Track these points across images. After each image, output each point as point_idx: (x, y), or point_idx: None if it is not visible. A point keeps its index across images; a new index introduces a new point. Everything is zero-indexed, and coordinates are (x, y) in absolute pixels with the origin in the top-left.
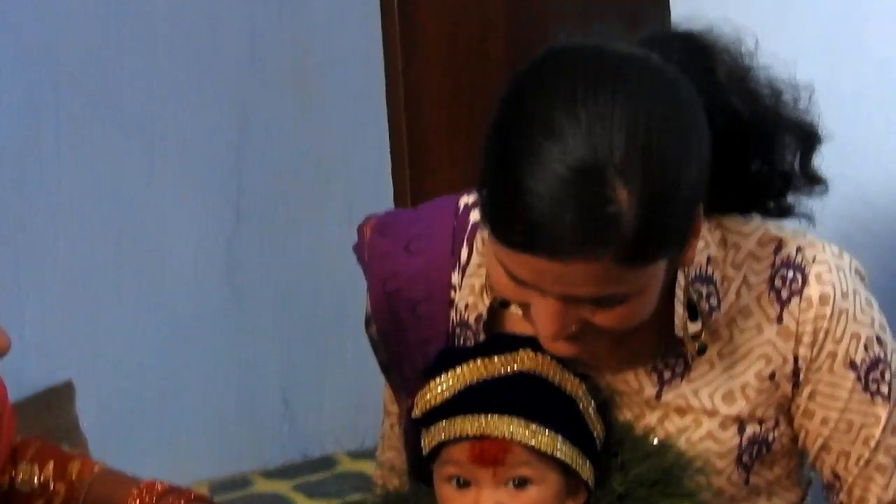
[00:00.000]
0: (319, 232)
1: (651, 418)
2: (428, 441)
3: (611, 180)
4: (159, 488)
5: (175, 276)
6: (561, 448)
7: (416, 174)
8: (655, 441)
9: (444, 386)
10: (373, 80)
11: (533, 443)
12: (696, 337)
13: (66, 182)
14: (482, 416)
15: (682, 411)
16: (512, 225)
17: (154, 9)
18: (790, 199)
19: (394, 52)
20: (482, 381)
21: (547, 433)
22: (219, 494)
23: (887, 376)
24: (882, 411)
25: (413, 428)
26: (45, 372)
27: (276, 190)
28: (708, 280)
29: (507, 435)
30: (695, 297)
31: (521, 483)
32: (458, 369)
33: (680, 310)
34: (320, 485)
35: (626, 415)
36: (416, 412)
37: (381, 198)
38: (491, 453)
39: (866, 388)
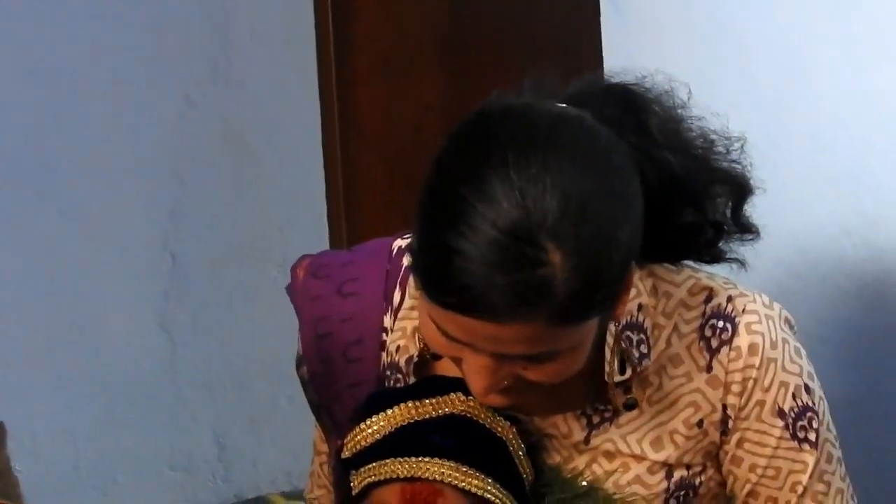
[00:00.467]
0: (255, 288)
1: (580, 462)
2: (358, 482)
3: (543, 243)
4: None
5: (109, 328)
6: (491, 490)
7: (353, 240)
8: (583, 484)
9: (374, 427)
10: (309, 145)
11: (464, 485)
12: (621, 386)
13: None
14: (412, 459)
15: (610, 456)
16: (444, 287)
17: (86, 78)
18: (722, 246)
19: (331, 114)
20: (413, 423)
21: (477, 475)
22: None
23: (815, 424)
24: (810, 458)
25: (342, 468)
26: None
27: (211, 248)
28: (639, 328)
29: (438, 477)
30: (625, 344)
31: None
32: (389, 411)
33: (613, 361)
34: None
35: (554, 458)
36: (346, 453)
37: None
38: (421, 496)
39: (794, 435)
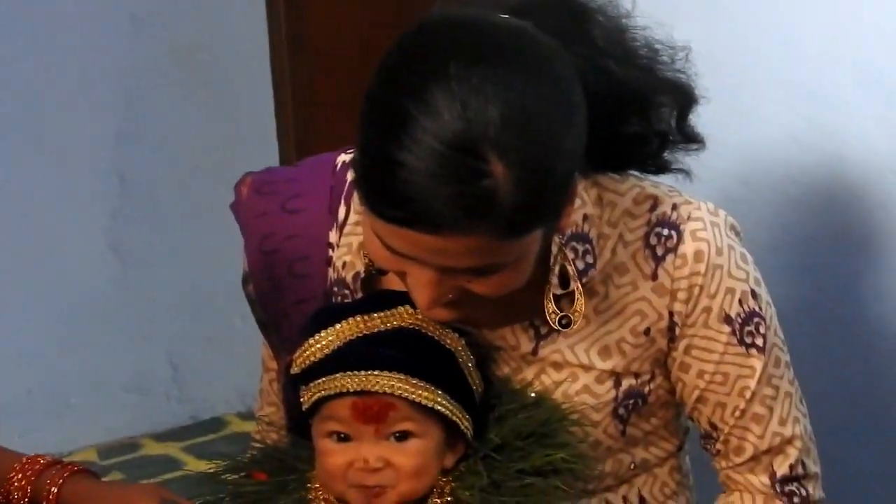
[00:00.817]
0: (205, 207)
1: (528, 373)
2: (308, 397)
3: (486, 154)
4: (42, 462)
5: (59, 251)
6: (441, 402)
7: (303, 157)
8: (532, 395)
9: (323, 342)
10: (257, 62)
11: (414, 397)
12: (565, 298)
13: None
14: (363, 373)
15: (558, 366)
16: (388, 200)
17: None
18: (667, 156)
19: (278, 31)
20: (361, 337)
21: (427, 387)
22: (108, 458)
23: (762, 329)
24: (757, 363)
25: (291, 384)
26: None
27: (159, 169)
28: (584, 238)
29: (388, 390)
30: (571, 254)
31: (403, 437)
32: (338, 326)
33: (556, 273)
34: (210, 445)
35: (503, 370)
36: (296, 369)
37: None
38: (373, 410)
39: (741, 341)
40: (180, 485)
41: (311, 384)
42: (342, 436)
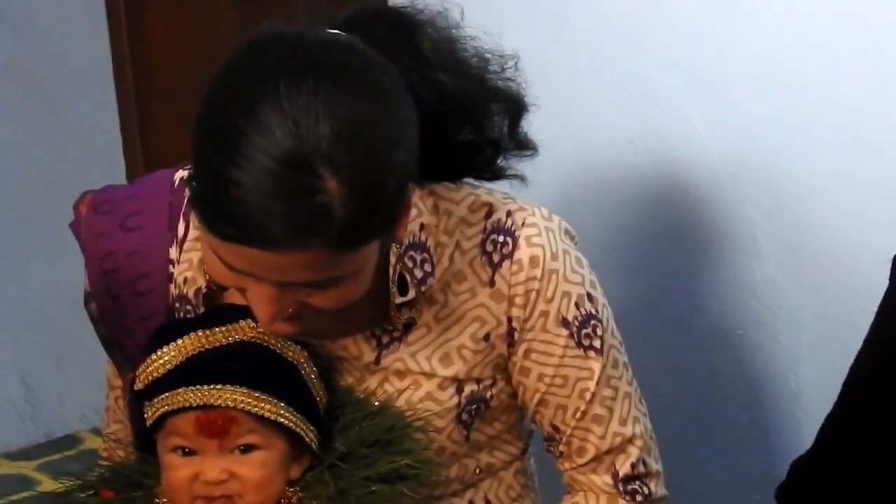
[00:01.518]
0: (52, 225)
1: (371, 382)
2: (151, 413)
3: (318, 170)
4: None
5: None
6: (284, 414)
7: (149, 163)
8: (376, 403)
9: (165, 358)
10: (100, 79)
11: (256, 410)
12: (406, 306)
13: None
14: (205, 387)
15: (401, 374)
16: (223, 218)
17: None
18: (502, 163)
19: (118, 27)
20: (203, 351)
21: (270, 400)
22: None
23: (599, 331)
24: (595, 365)
25: (136, 400)
26: None
27: (5, 188)
28: (421, 247)
29: (231, 404)
30: (409, 263)
31: (247, 449)
32: (180, 341)
33: (394, 280)
34: (64, 463)
35: (347, 380)
36: (139, 384)
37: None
38: (216, 424)
39: (579, 343)
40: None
41: (155, 399)
42: (187, 450)
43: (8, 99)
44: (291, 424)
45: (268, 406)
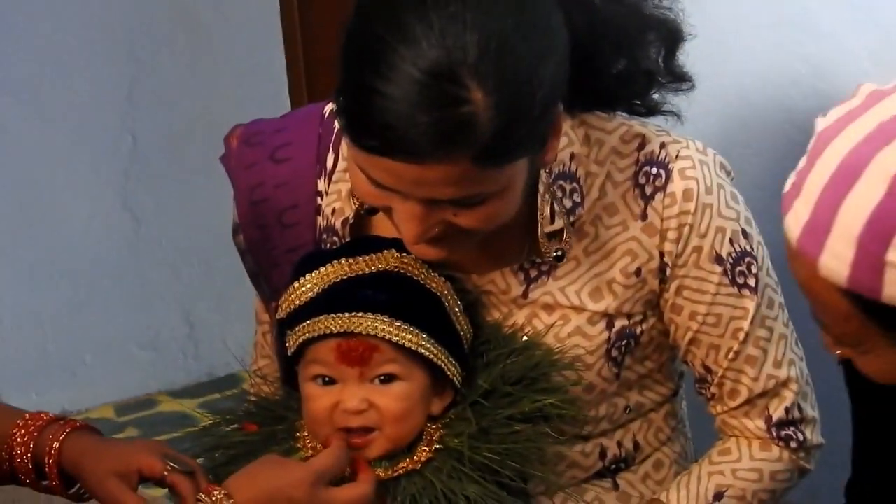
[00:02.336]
0: (216, 163)
1: (519, 317)
2: (293, 341)
3: (465, 81)
4: (44, 418)
5: (72, 211)
6: (425, 345)
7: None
8: (524, 339)
9: (307, 285)
10: (266, 16)
11: (397, 339)
12: (555, 236)
13: None
14: (345, 315)
15: (549, 308)
16: (368, 130)
17: None
18: (656, 97)
19: None
20: (346, 279)
21: (411, 330)
22: (124, 415)
23: (754, 269)
24: (750, 304)
25: (280, 332)
26: None
27: (170, 126)
28: (571, 177)
29: (371, 332)
30: (558, 193)
31: (387, 379)
32: (322, 269)
33: (546, 210)
34: (224, 402)
35: (494, 315)
36: (281, 313)
37: None
38: (357, 351)
39: (733, 281)
40: (189, 441)
41: (296, 328)
42: (326, 379)
43: (174, 40)
44: (432, 356)
45: (409, 336)
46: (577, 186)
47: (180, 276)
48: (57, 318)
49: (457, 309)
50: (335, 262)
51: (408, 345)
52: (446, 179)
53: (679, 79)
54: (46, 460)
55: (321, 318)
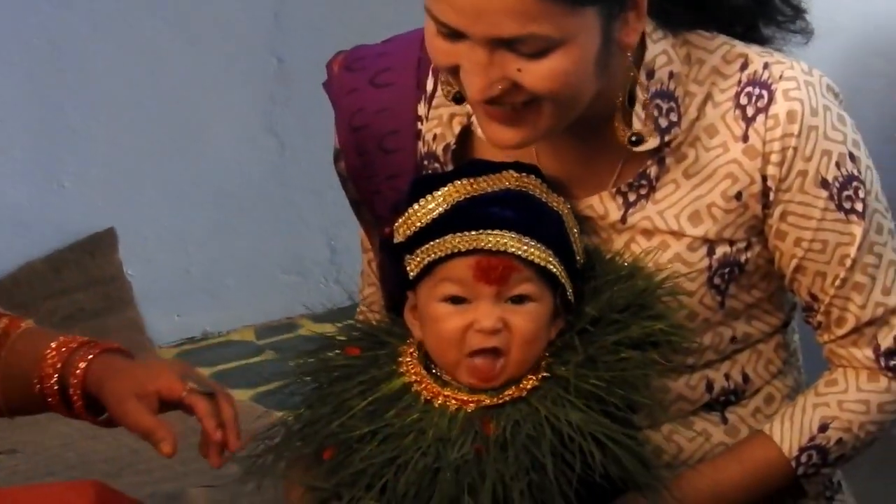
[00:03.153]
0: None
1: (618, 242)
2: (416, 262)
3: None
4: (78, 341)
5: (217, 134)
6: (552, 261)
7: None
8: (625, 264)
9: (430, 206)
10: None
11: (527, 255)
12: (654, 156)
13: (102, 55)
14: (473, 232)
15: (648, 234)
16: None
17: None
18: (768, 31)
19: None
20: (469, 198)
21: (538, 246)
22: (265, 338)
23: (861, 193)
24: (857, 229)
25: (390, 257)
26: (87, 220)
27: (316, 50)
28: (669, 96)
29: (500, 248)
30: (654, 112)
31: (520, 300)
32: (445, 189)
33: (638, 109)
34: None
35: (593, 241)
36: (398, 237)
37: None
38: (497, 270)
39: (840, 206)
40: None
41: (419, 249)
42: (459, 299)
43: None
44: (558, 274)
45: (537, 252)
46: (674, 106)
47: (324, 200)
48: (201, 240)
49: (575, 230)
50: (457, 181)
51: (536, 260)
52: (507, 9)
53: (795, 12)
54: (71, 381)
55: (447, 237)
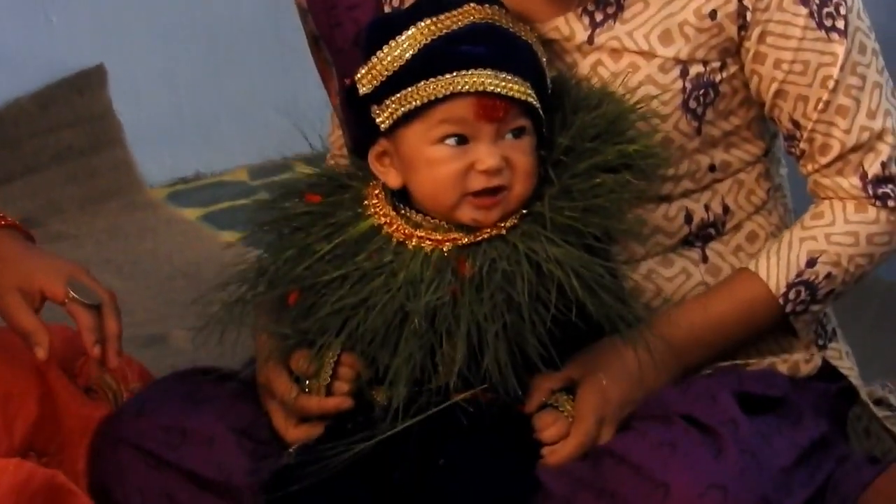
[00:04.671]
0: None
1: (584, 65)
2: (389, 113)
3: None
4: None
5: None
6: (531, 94)
7: None
8: (594, 90)
9: (397, 52)
10: None
11: (506, 91)
12: None
13: None
14: (447, 76)
15: (616, 54)
16: None
17: None
18: None
19: None
20: (435, 39)
21: (517, 80)
22: (259, 178)
23: (842, 10)
24: (839, 48)
25: (355, 110)
26: (75, 56)
27: None
28: None
29: (479, 88)
30: None
31: (518, 133)
32: (409, 32)
33: None
34: None
35: (557, 65)
36: (364, 87)
37: None
38: (499, 108)
39: (820, 24)
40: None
41: (392, 98)
42: (462, 139)
43: None
44: (538, 107)
45: (516, 87)
46: None
47: None
48: (193, 79)
49: (543, 59)
50: (420, 23)
51: (518, 95)
52: None
53: None
54: None
55: (420, 84)
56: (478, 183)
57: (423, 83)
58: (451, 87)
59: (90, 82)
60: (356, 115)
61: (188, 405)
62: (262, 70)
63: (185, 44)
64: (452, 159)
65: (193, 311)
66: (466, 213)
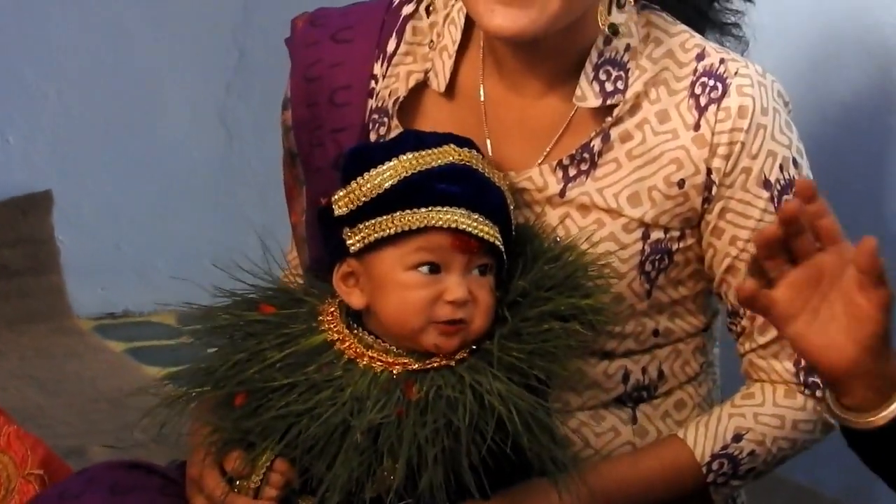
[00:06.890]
0: None
1: (552, 217)
2: (361, 237)
3: None
4: None
5: (169, 115)
6: (498, 237)
7: None
8: (557, 242)
9: (378, 179)
10: None
11: (476, 232)
12: (597, 116)
13: (66, 23)
14: (423, 210)
15: (585, 209)
16: None
17: None
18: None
19: None
20: (417, 173)
21: (486, 222)
22: (187, 324)
23: None
24: None
25: (327, 229)
26: (27, 179)
27: (281, 46)
28: (620, 65)
29: (452, 225)
30: (602, 77)
31: (483, 270)
32: (391, 162)
33: (588, 67)
34: None
35: (525, 214)
36: (340, 209)
37: None
38: (472, 242)
39: (778, 209)
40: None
41: (366, 224)
42: (434, 267)
43: None
44: (503, 250)
45: (485, 228)
46: (622, 75)
47: (265, 199)
48: (136, 217)
49: (512, 206)
50: (404, 155)
51: (486, 237)
52: None
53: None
54: None
55: (397, 214)
56: (444, 313)
57: (398, 213)
58: (426, 221)
59: (36, 206)
60: (326, 234)
61: (112, 496)
62: (205, 220)
63: (134, 182)
64: (423, 286)
65: (114, 433)
66: (430, 338)
